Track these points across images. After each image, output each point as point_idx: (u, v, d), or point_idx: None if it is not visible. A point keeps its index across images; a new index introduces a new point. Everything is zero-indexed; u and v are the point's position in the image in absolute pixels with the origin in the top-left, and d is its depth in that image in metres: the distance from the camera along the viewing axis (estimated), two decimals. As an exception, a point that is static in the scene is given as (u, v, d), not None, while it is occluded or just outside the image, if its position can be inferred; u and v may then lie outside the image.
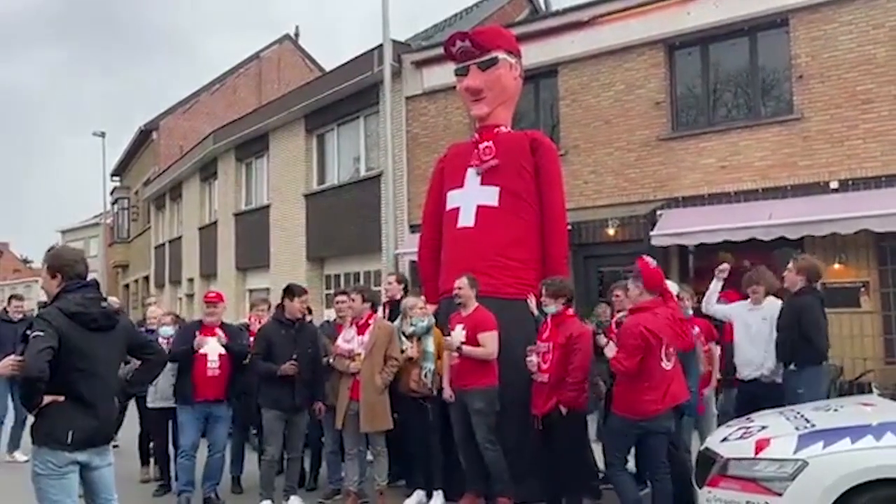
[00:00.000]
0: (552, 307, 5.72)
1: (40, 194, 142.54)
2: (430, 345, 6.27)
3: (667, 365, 5.07)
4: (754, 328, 6.25)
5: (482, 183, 7.02)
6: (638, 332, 4.96)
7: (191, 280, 23.57)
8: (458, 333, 6.03)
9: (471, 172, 7.12)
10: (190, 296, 23.87)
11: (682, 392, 5.23)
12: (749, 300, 6.41)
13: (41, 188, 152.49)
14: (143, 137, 29.68)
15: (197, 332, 6.41)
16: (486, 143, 7.05)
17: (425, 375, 6.18)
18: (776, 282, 6.40)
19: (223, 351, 6.37)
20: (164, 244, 27.31)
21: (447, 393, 6.08)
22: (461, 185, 7.16)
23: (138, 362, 4.29)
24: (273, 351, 6.23)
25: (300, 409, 6.36)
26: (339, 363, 6.29)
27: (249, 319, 7.64)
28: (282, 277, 15.77)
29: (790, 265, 6.17)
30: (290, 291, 6.47)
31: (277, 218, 17.84)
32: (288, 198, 17.33)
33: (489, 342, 5.99)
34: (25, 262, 71.34)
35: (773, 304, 6.26)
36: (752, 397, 6.08)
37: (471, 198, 7.05)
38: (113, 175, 34.88)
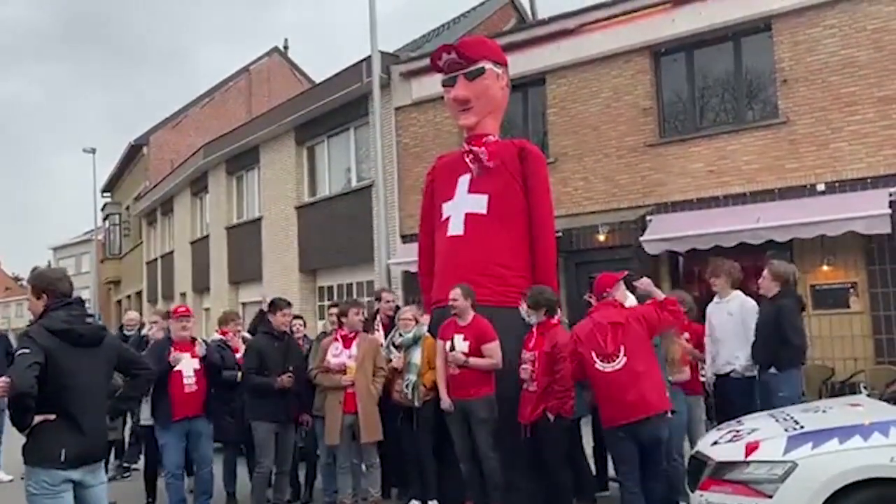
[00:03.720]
0: (533, 318, 5.79)
1: (31, 211, 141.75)
2: (415, 356, 6.30)
3: (603, 367, 5.01)
4: (716, 324, 6.29)
5: (470, 191, 7.06)
6: (570, 338, 5.15)
7: (183, 294, 23.50)
8: (461, 345, 6.04)
9: (461, 181, 7.16)
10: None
11: (657, 401, 5.07)
12: (716, 296, 6.46)
13: (32, 205, 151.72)
14: (134, 152, 29.66)
15: (169, 350, 6.28)
16: (479, 149, 7.08)
17: (406, 387, 6.22)
18: (737, 271, 6.42)
19: (198, 366, 6.31)
20: (156, 259, 27.24)
21: (446, 404, 6.06)
22: (453, 197, 7.19)
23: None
24: (265, 364, 6.26)
25: (290, 422, 6.43)
26: (328, 378, 6.28)
27: (226, 335, 7.51)
28: (275, 290, 15.73)
29: (764, 272, 6.20)
30: (274, 305, 6.57)
31: (269, 230, 17.85)
32: (279, 210, 17.34)
33: (495, 352, 6.03)
34: (16, 279, 71.01)
35: (740, 299, 6.28)
36: (724, 392, 6.16)
37: (460, 206, 7.08)
38: (104, 191, 34.81)
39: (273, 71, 28.85)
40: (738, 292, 6.37)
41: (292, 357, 6.41)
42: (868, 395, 5.72)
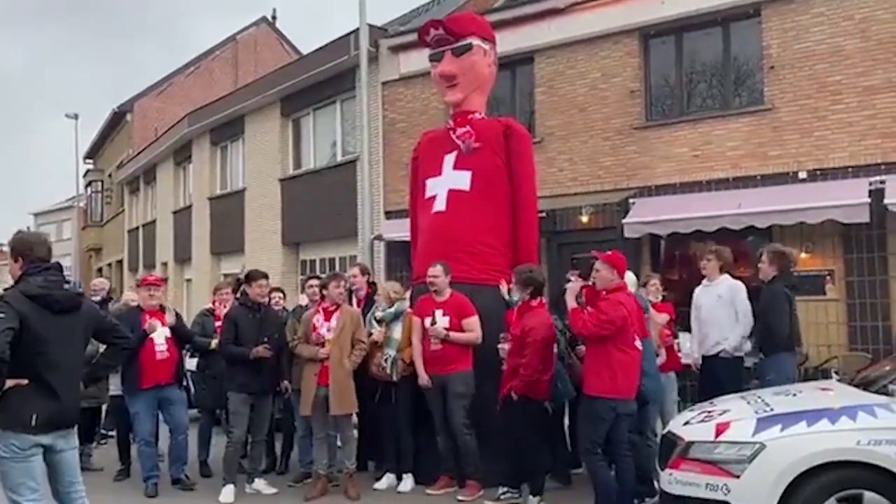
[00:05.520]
0: (516, 296, 5.82)
1: (12, 177, 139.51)
2: (396, 331, 6.33)
3: (639, 345, 5.23)
4: (704, 306, 6.44)
5: (455, 167, 7.06)
6: (620, 313, 5.07)
7: (165, 264, 23.36)
8: (441, 320, 6.08)
9: (448, 159, 7.14)
10: (164, 280, 23.64)
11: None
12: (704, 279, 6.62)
13: (14, 171, 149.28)
14: (117, 119, 29.22)
15: (141, 318, 6.31)
16: (464, 129, 7.06)
17: (385, 360, 6.25)
18: (728, 255, 6.63)
19: (169, 334, 6.36)
20: (137, 228, 27.00)
21: (424, 380, 6.12)
22: (439, 173, 7.18)
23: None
24: (240, 336, 6.27)
25: (266, 393, 6.43)
26: (306, 349, 6.29)
27: (213, 304, 7.58)
28: (256, 262, 15.68)
29: (762, 257, 6.28)
30: (250, 277, 6.60)
31: (253, 202, 17.71)
32: (263, 182, 17.21)
33: (476, 326, 6.13)
34: (-4, 244, 70.15)
35: (728, 282, 6.43)
36: (712, 372, 6.30)
37: (444, 183, 7.08)
38: (86, 158, 34.33)
39: (260, 41, 28.42)
40: (727, 276, 6.53)
41: (268, 328, 6.41)
42: (839, 381, 5.82)
